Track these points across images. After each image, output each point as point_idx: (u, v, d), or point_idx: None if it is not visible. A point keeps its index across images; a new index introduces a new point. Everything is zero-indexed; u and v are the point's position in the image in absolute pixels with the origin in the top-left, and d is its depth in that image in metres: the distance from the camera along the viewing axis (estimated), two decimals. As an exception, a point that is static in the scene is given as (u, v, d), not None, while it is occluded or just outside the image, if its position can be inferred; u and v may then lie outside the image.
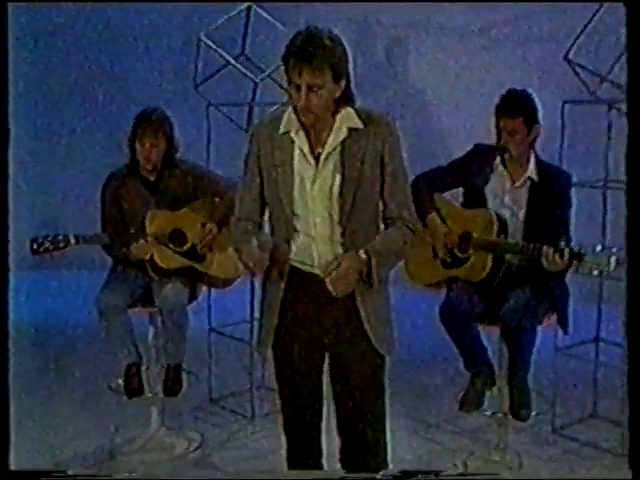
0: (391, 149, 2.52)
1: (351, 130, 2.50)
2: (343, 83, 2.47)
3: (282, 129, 2.53)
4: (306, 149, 2.51)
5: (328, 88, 2.43)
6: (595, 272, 3.20)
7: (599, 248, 3.18)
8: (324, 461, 2.80)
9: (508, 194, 3.58)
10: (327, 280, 2.44)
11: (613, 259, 3.11)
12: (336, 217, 2.51)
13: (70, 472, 2.69)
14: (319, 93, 2.41)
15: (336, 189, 2.49)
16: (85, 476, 2.76)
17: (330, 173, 2.49)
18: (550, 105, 3.84)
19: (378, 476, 2.59)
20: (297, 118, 2.51)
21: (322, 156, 2.50)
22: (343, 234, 2.52)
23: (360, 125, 2.50)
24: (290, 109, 2.53)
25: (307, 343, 2.61)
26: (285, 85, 2.57)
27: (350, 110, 2.51)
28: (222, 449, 4.03)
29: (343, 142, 2.50)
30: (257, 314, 2.97)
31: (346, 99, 2.51)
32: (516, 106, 3.52)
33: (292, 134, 2.51)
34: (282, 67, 2.52)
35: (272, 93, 4.30)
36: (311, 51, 2.34)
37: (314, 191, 2.50)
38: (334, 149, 2.50)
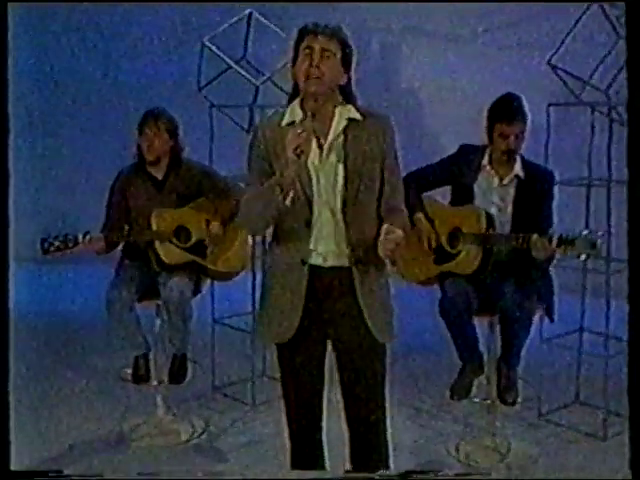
0: (389, 144, 2.56)
1: (350, 121, 2.52)
2: (347, 76, 2.53)
3: (287, 119, 2.53)
4: (311, 137, 2.50)
5: (336, 64, 2.48)
6: (583, 256, 3.23)
7: (586, 232, 3.20)
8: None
9: (495, 191, 3.62)
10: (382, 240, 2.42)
11: (599, 242, 3.13)
12: (339, 206, 2.51)
13: (67, 472, 2.69)
14: (329, 62, 2.46)
15: (340, 179, 2.51)
16: (84, 476, 2.76)
17: (334, 163, 2.51)
18: (536, 108, 3.84)
19: (377, 476, 2.58)
20: (301, 108, 2.52)
21: (325, 145, 2.51)
22: (346, 224, 2.52)
23: (359, 117, 2.53)
24: (294, 103, 2.55)
25: (309, 332, 2.59)
26: (284, 88, 2.55)
27: (349, 106, 2.54)
28: (225, 435, 4.07)
29: (345, 133, 2.51)
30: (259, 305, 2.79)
31: (347, 96, 2.55)
32: (518, 112, 3.55)
33: (297, 124, 2.50)
34: (281, 70, 2.52)
35: (272, 96, 4.31)
36: (327, 25, 2.47)
37: (320, 179, 2.51)
38: (336, 138, 2.51)
